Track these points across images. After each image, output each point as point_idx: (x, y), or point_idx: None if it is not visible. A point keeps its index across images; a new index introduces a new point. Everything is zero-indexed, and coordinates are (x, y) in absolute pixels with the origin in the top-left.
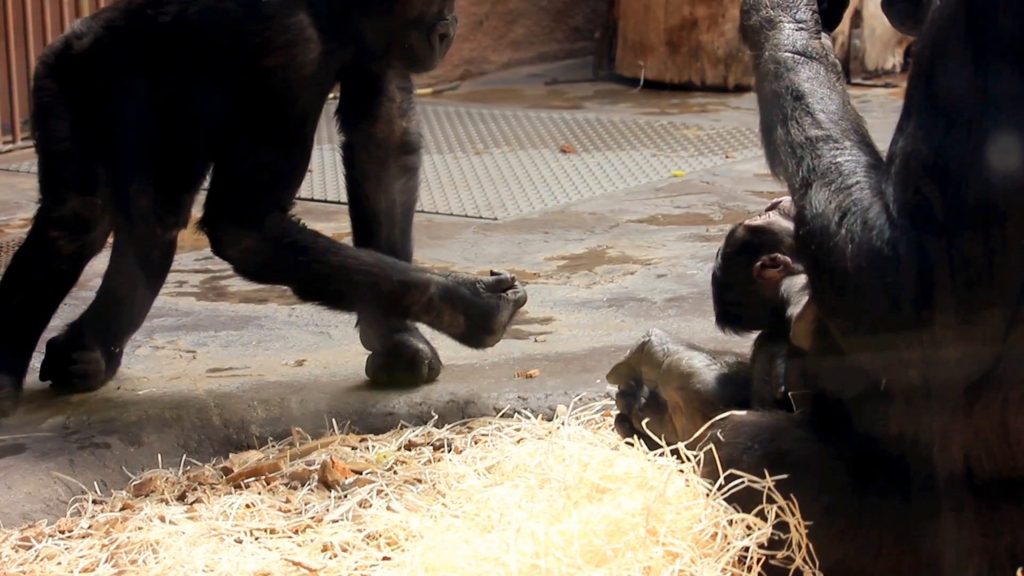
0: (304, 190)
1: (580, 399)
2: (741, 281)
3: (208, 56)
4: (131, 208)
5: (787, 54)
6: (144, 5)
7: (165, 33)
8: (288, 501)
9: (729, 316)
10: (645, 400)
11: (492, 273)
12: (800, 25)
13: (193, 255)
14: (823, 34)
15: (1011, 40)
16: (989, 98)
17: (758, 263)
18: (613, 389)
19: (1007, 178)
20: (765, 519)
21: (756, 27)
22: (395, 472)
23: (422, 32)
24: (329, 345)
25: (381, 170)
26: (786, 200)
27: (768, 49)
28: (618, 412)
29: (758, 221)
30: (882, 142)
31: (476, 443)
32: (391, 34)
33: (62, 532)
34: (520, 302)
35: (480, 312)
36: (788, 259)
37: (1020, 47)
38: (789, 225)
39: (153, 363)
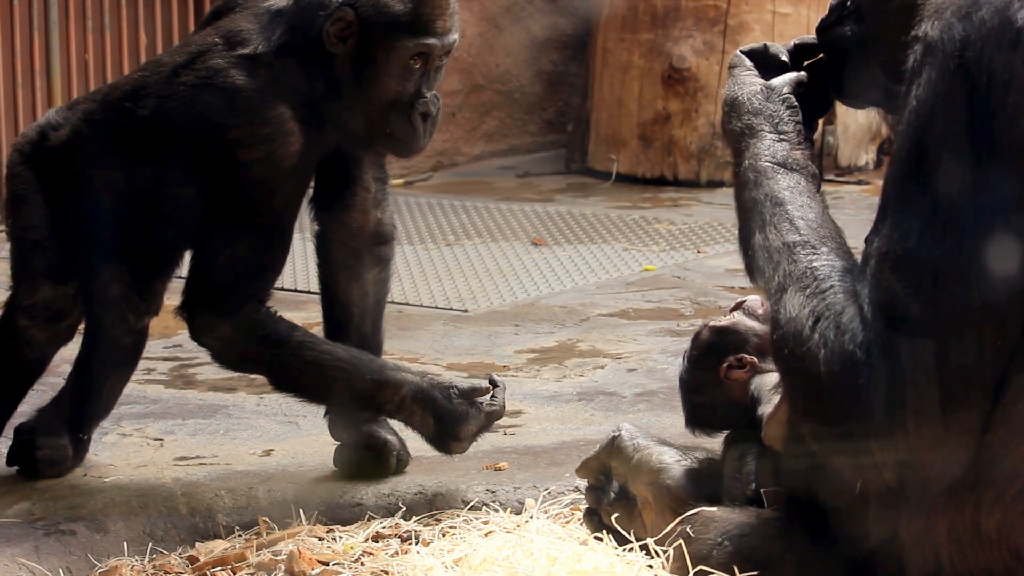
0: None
1: (549, 493)
2: (709, 383)
3: (187, 148)
4: (104, 296)
5: (767, 164)
6: (122, 98)
7: (144, 125)
8: None
9: (699, 418)
10: (615, 495)
11: (492, 383)
12: (782, 136)
13: (162, 343)
14: (804, 145)
15: (989, 142)
16: (966, 199)
17: (725, 364)
18: (582, 483)
19: (983, 279)
20: None
21: (737, 132)
22: (362, 563)
23: (402, 113)
24: (297, 435)
25: (354, 260)
26: (751, 299)
27: (748, 158)
28: (587, 506)
29: (723, 322)
30: (854, 239)
31: (444, 535)
32: (371, 119)
33: None
34: (495, 415)
35: (449, 418)
36: (755, 359)
37: (997, 150)
38: (755, 324)
39: (120, 450)
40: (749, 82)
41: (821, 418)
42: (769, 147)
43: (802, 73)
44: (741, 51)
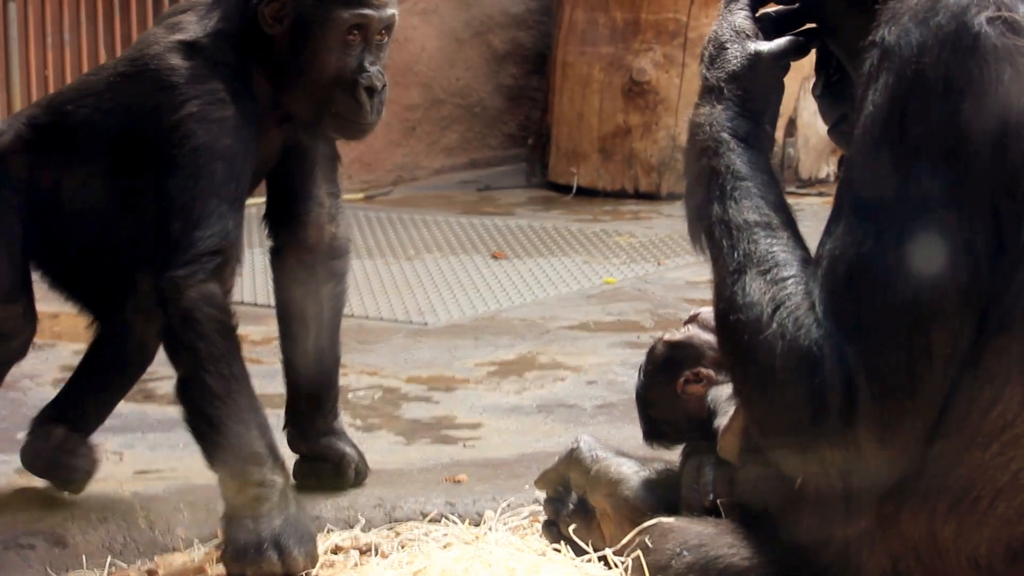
0: (234, 293)
1: (508, 505)
2: (665, 397)
3: (129, 137)
4: (74, 296)
5: (727, 135)
6: (65, 101)
7: (85, 123)
8: None
9: (656, 432)
10: (573, 506)
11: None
12: (746, 111)
13: None
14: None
15: (939, 151)
16: (916, 207)
17: (681, 379)
18: (541, 495)
19: (932, 287)
20: None
21: (707, 88)
22: None
23: (346, 90)
24: None
25: (309, 275)
26: (705, 312)
27: (711, 121)
28: (546, 518)
29: (678, 336)
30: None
31: (403, 548)
32: (316, 99)
33: None
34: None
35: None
36: (711, 373)
37: (953, 155)
38: (710, 338)
39: None
40: (741, 42)
41: (770, 409)
42: (732, 119)
43: (798, 39)
44: None
